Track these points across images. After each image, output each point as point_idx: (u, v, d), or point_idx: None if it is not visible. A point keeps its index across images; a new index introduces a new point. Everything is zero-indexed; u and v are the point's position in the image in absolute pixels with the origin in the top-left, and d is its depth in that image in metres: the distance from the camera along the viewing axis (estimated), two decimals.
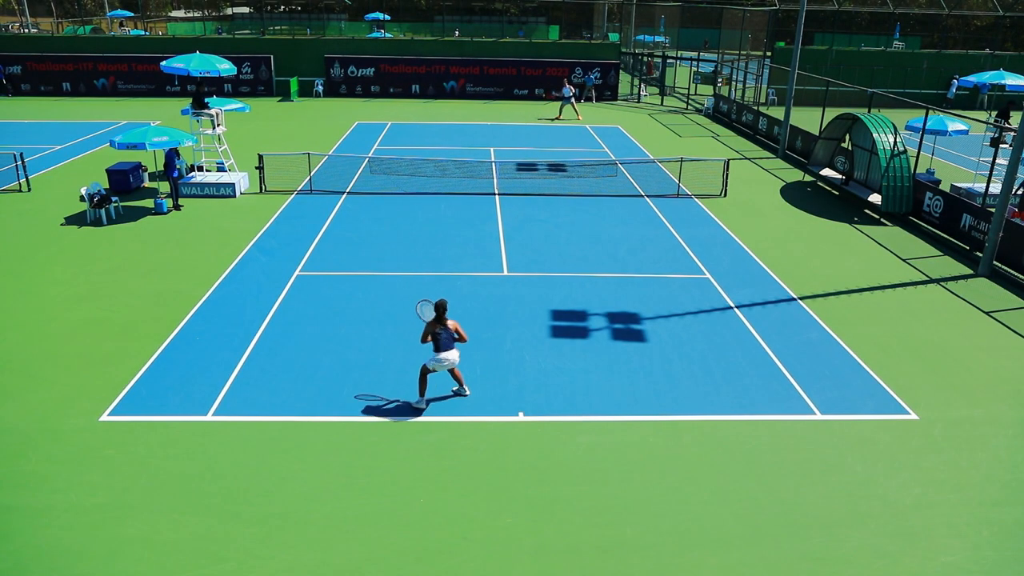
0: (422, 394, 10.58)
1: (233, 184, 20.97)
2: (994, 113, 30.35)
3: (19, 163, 21.57)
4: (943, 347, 12.96)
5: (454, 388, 11.12)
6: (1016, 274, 16.37)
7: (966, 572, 7.89)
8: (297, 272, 15.50)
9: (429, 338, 10.40)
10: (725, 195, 22.13)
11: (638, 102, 41.68)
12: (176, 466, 9.27)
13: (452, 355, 10.48)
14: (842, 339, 13.07)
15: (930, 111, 21.14)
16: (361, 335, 12.75)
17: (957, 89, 40.08)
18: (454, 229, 18.42)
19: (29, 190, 21.20)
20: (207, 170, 22.47)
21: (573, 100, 34.83)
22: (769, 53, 42.68)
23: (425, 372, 10.51)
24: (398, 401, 10.78)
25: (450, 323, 10.43)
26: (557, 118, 34.56)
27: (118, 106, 35.98)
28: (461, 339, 10.56)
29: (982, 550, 8.20)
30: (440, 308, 10.28)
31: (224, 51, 35.49)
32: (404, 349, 12.27)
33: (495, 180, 23.15)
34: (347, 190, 21.70)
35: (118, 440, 9.76)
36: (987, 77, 26.45)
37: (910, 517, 8.69)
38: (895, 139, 20.53)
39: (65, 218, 18.84)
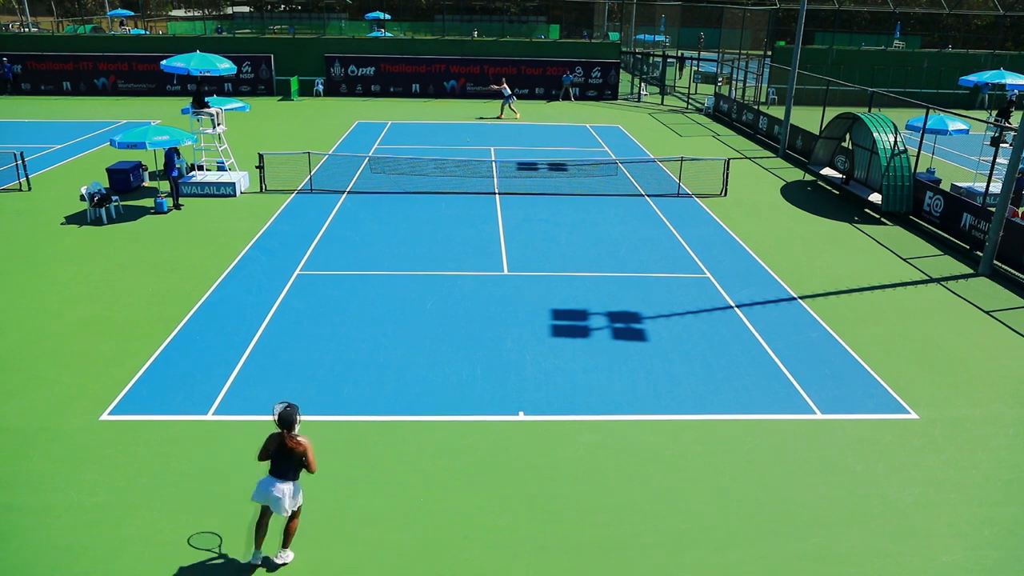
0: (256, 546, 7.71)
1: (233, 183, 20.97)
2: (994, 112, 30.30)
3: (19, 162, 21.56)
4: (943, 347, 12.96)
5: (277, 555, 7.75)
6: (1016, 273, 16.36)
7: (967, 572, 7.89)
8: (297, 271, 15.50)
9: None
10: (725, 194, 22.12)
11: (638, 101, 41.65)
12: (176, 466, 9.27)
13: (281, 488, 7.35)
14: (842, 339, 13.06)
15: (930, 111, 21.13)
16: (361, 334, 12.74)
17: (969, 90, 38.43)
18: (454, 228, 18.41)
19: (29, 189, 21.19)
20: (207, 169, 22.46)
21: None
22: (769, 52, 42.65)
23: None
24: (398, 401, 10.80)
25: (301, 439, 7.32)
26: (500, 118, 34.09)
27: (118, 105, 35.97)
28: (308, 468, 7.38)
29: (983, 549, 8.20)
30: (284, 419, 7.23)
31: (224, 50, 35.44)
32: (404, 348, 12.28)
33: (495, 179, 23.14)
34: (347, 189, 21.70)
35: (118, 440, 9.76)
36: (987, 76, 26.43)
37: (911, 517, 8.69)
38: (895, 138, 20.52)
39: (65, 218, 18.84)
